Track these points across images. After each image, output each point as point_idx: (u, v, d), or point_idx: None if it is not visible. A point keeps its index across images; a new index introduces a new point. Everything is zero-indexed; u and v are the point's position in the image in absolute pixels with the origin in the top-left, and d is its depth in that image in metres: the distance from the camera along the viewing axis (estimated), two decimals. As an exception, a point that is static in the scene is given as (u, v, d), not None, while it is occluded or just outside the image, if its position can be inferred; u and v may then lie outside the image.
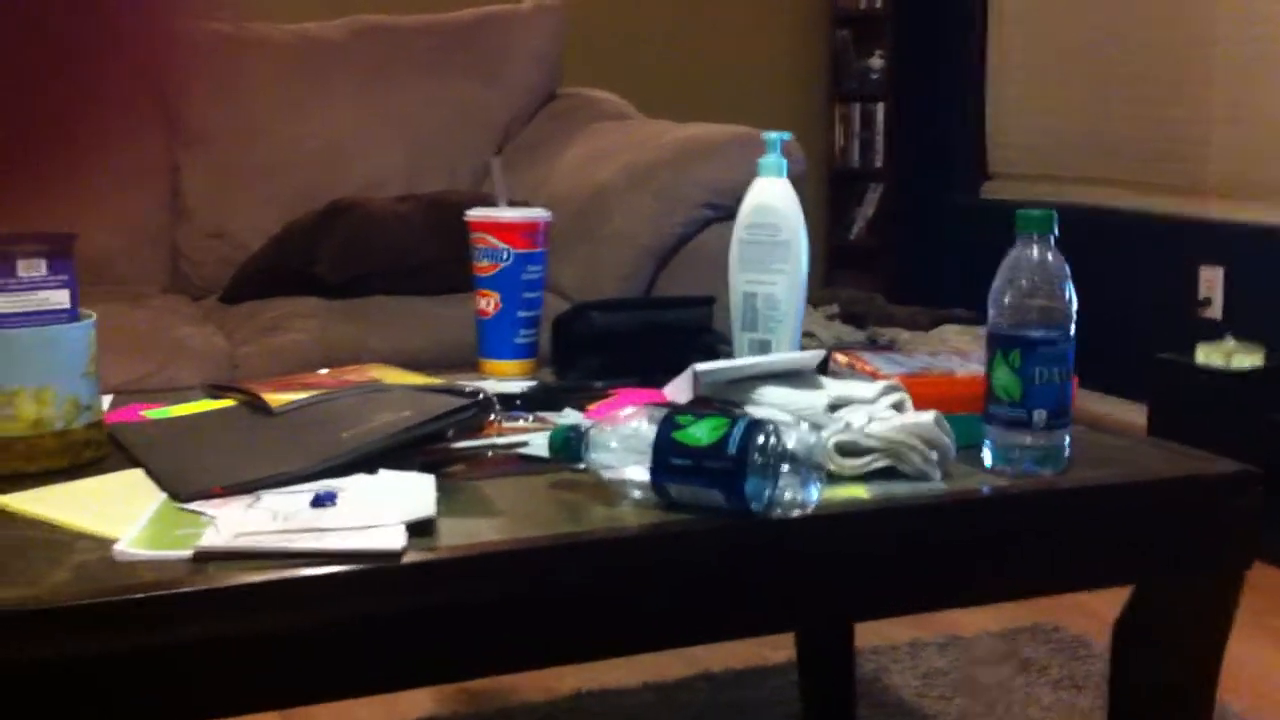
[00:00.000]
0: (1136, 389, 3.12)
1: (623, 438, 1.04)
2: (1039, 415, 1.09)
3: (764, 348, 1.44)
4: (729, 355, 1.43)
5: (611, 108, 2.80)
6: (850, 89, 4.44)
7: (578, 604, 0.95)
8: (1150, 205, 3.38)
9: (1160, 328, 3.23)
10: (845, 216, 4.53)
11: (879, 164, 4.40)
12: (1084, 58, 3.65)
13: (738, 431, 0.98)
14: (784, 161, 1.46)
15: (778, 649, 1.94)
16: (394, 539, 0.92)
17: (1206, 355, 2.90)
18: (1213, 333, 2.97)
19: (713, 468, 0.98)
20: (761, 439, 0.97)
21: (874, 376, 1.22)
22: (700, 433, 1.00)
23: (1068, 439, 1.11)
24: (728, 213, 2.30)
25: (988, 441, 1.12)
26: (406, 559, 0.90)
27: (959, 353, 1.35)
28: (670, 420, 1.02)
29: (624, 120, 2.72)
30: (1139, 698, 1.14)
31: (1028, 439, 1.10)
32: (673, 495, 1.01)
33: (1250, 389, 2.78)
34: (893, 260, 4.38)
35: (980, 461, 1.12)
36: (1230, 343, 2.91)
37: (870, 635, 2.03)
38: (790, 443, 0.97)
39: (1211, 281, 3.16)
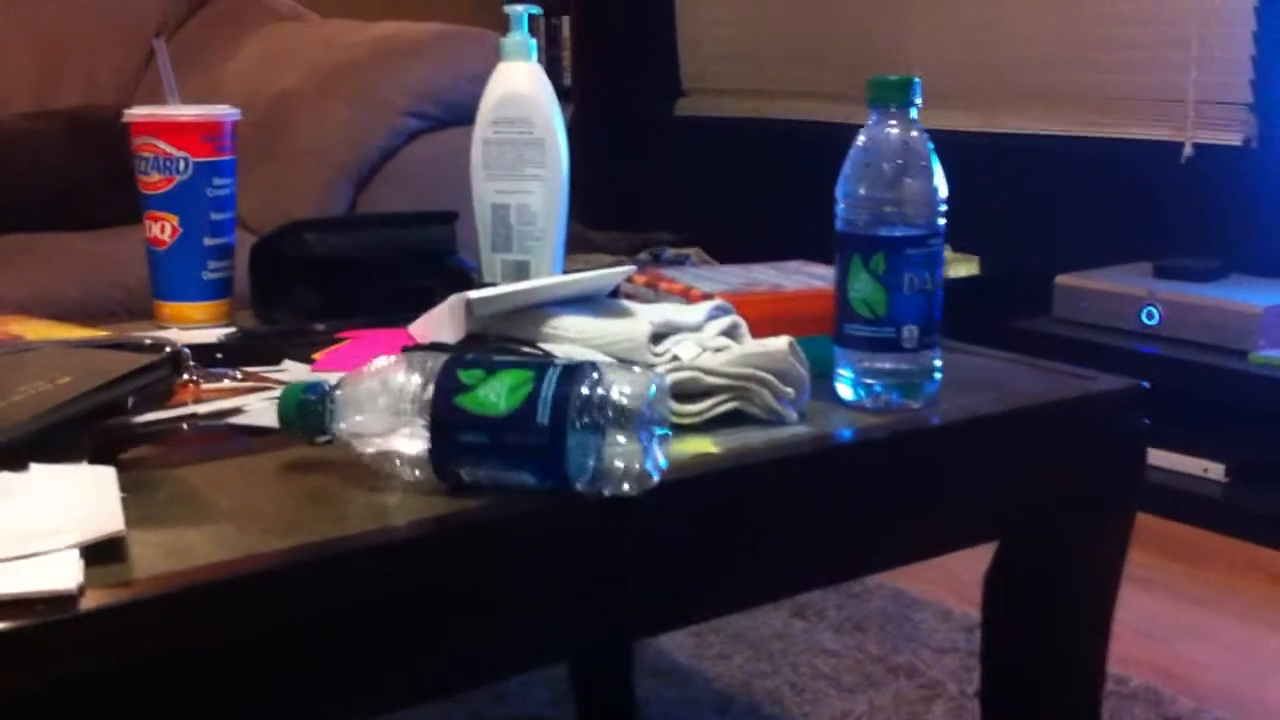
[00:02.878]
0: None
1: (381, 397, 0.75)
2: (909, 332, 0.87)
3: (521, 271, 1.18)
4: (479, 284, 1.16)
5: (282, 6, 2.41)
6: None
7: (350, 637, 0.66)
8: (852, 117, 3.28)
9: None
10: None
11: (567, 82, 4.15)
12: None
13: (547, 389, 0.71)
14: (533, 41, 1.21)
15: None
16: (64, 574, 0.60)
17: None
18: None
19: (518, 444, 0.71)
20: (583, 393, 0.71)
21: (686, 296, 0.97)
22: (495, 394, 0.72)
23: (938, 361, 0.90)
24: (436, 122, 1.99)
25: (843, 368, 0.90)
26: (85, 604, 0.59)
27: (773, 265, 1.12)
28: (451, 376, 0.74)
29: (301, 20, 2.35)
30: (1020, 668, 0.95)
31: (895, 363, 0.88)
32: (463, 478, 0.74)
33: (970, 297, 2.72)
34: (587, 184, 4.15)
35: (833, 393, 0.90)
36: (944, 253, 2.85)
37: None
38: (620, 392, 0.71)
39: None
